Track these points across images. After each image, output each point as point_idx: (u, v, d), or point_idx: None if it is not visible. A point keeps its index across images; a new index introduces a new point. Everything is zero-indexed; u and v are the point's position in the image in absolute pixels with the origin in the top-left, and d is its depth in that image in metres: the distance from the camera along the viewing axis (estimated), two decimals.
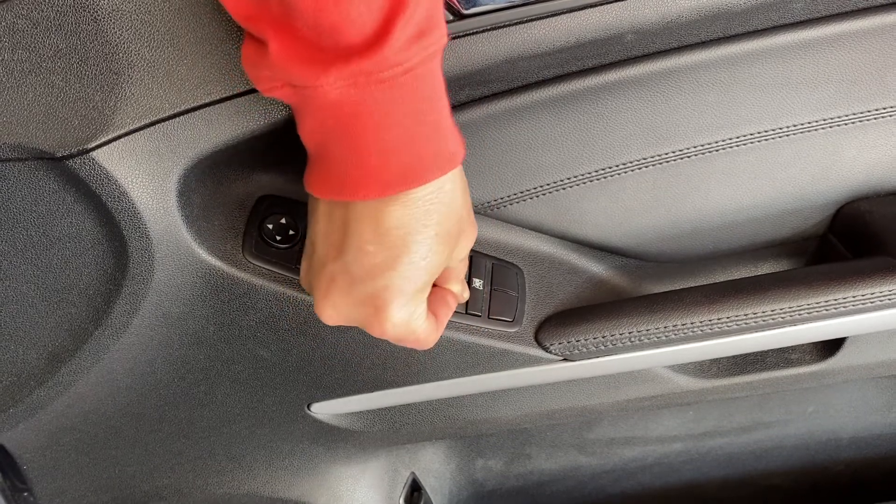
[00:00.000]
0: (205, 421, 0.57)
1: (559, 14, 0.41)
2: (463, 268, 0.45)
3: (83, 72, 0.37)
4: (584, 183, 0.52)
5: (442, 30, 0.32)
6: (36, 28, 0.37)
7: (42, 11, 0.36)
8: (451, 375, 0.53)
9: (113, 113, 0.38)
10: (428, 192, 0.35)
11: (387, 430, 0.60)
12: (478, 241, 0.53)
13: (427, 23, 0.31)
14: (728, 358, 0.59)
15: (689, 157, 0.51)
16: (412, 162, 0.33)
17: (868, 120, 0.51)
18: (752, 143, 0.51)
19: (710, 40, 0.47)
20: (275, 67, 0.31)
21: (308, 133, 0.35)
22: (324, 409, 0.57)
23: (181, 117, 0.39)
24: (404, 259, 0.35)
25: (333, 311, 0.38)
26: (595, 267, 0.56)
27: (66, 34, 0.37)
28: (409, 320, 0.38)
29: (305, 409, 0.57)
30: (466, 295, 0.48)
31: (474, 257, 0.52)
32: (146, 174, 0.40)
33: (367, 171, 0.33)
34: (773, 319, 0.50)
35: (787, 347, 0.59)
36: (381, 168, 0.33)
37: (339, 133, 0.33)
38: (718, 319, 0.50)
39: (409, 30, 0.30)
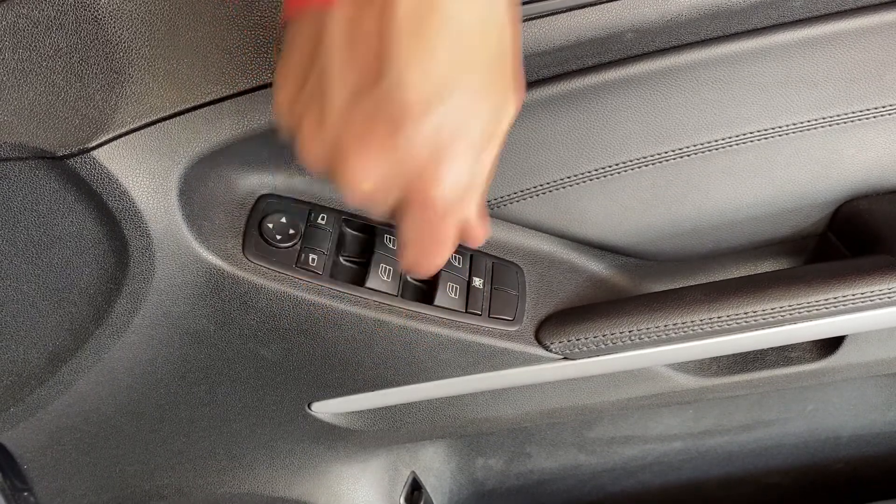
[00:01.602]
0: (205, 420, 0.57)
1: (559, 13, 0.41)
2: (482, 179, 0.33)
3: (84, 71, 0.37)
4: (584, 182, 0.52)
5: None
6: (36, 27, 0.37)
7: (43, 10, 0.37)
8: (452, 374, 0.53)
9: (113, 112, 0.38)
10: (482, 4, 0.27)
11: (387, 429, 0.60)
12: None
13: None
14: (728, 356, 0.60)
15: (688, 155, 0.51)
16: None
17: (867, 118, 0.51)
18: (751, 141, 0.51)
19: (710, 39, 0.47)
20: None
21: None
22: (324, 409, 0.57)
23: (182, 116, 0.39)
24: (464, 84, 0.27)
25: (374, 167, 0.28)
26: (595, 266, 0.56)
27: (66, 33, 0.37)
28: (472, 176, 0.29)
29: (306, 408, 0.57)
30: (482, 233, 0.38)
31: (474, 256, 0.52)
32: (147, 173, 0.40)
33: None
34: (772, 318, 0.50)
35: (787, 346, 0.59)
36: None
37: None
38: (718, 318, 0.50)
39: None
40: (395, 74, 0.27)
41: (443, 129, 0.28)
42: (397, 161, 0.28)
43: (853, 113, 0.51)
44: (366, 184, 0.29)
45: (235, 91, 0.39)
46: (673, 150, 0.51)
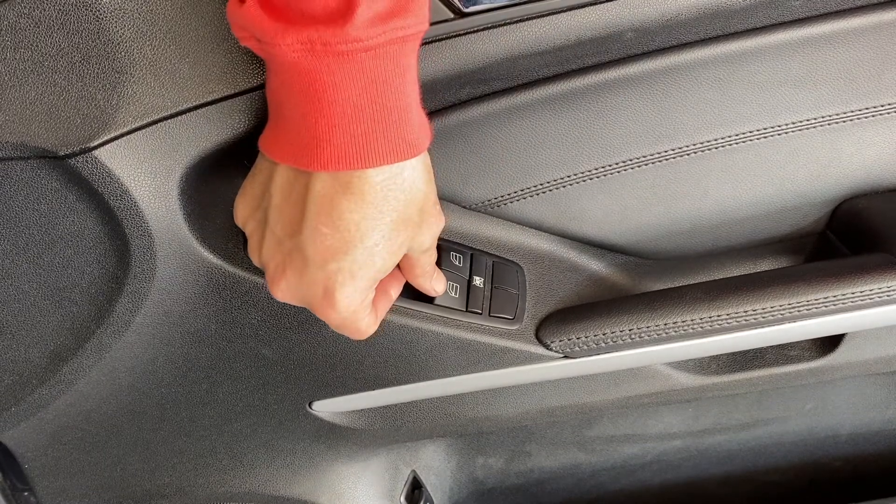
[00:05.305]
0: (206, 419, 0.57)
1: (559, 12, 0.41)
2: (427, 260, 0.44)
3: (85, 70, 0.37)
4: (584, 181, 0.52)
5: (418, 17, 0.32)
6: (38, 27, 0.37)
7: (44, 10, 0.37)
8: (453, 373, 0.53)
9: (115, 111, 0.38)
10: (384, 178, 0.34)
11: (388, 428, 0.60)
12: (478, 240, 0.53)
13: (397, 5, 0.31)
14: (727, 355, 0.60)
15: (688, 154, 0.52)
16: (360, 142, 0.33)
17: (866, 117, 0.51)
18: (750, 140, 0.51)
19: (710, 38, 0.47)
20: (245, 19, 0.32)
21: (270, 89, 0.35)
22: (325, 408, 0.57)
23: (183, 116, 0.39)
24: (358, 244, 0.35)
25: (287, 289, 0.38)
26: (595, 264, 0.56)
27: (68, 33, 0.37)
28: (357, 308, 0.38)
29: (307, 407, 0.57)
30: (440, 288, 0.47)
31: (475, 255, 0.52)
32: (148, 173, 0.40)
33: (314, 141, 0.33)
34: (771, 316, 0.50)
35: (786, 344, 0.59)
36: (327, 140, 0.33)
37: (295, 95, 0.33)
38: (718, 316, 0.50)
39: (375, 8, 0.30)
40: (305, 236, 0.36)
41: (336, 276, 0.36)
42: (301, 291, 0.38)
43: (852, 112, 0.51)
44: (279, 296, 0.39)
45: (236, 91, 0.39)
46: (672, 149, 0.51)
